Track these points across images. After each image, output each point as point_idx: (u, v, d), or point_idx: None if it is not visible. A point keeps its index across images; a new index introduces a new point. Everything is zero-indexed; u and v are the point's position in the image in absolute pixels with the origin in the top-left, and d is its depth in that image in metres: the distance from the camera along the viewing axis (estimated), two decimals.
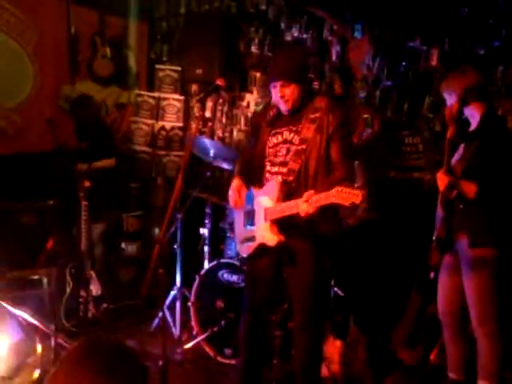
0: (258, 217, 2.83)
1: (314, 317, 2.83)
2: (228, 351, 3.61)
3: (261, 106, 3.13)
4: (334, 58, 4.84)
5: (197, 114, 5.17)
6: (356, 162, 4.25)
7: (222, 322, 3.61)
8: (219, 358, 3.63)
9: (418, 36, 4.34)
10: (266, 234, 2.75)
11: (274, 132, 2.86)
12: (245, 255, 3.02)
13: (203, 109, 5.21)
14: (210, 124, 5.30)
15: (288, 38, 5.04)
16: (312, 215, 2.52)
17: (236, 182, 2.90)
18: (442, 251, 2.87)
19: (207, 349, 3.68)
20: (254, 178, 2.94)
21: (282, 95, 2.73)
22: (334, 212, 2.76)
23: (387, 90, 4.54)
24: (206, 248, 4.13)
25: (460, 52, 4.11)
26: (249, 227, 2.92)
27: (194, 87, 5.39)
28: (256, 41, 5.15)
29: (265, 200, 2.79)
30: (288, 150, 2.79)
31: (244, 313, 3.05)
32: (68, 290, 3.98)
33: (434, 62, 4.28)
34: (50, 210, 4.39)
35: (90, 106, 4.78)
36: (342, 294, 3.77)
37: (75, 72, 5.22)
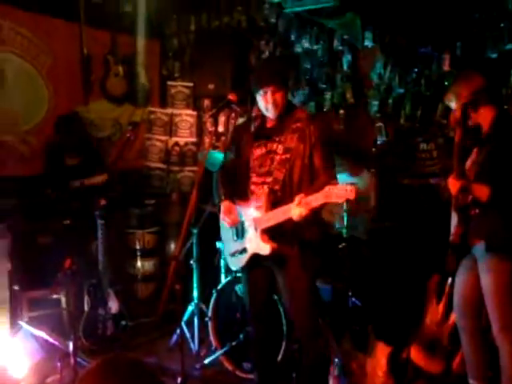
0: (248, 228, 2.88)
1: (312, 320, 2.89)
2: (247, 365, 3.57)
3: (241, 120, 3.16)
4: (345, 67, 4.85)
5: (210, 129, 5.18)
6: (372, 170, 4.25)
7: (241, 336, 3.58)
8: (238, 373, 3.60)
9: (429, 42, 4.32)
10: (259, 244, 2.81)
11: (257, 144, 2.93)
12: (236, 268, 3.09)
13: (216, 124, 5.24)
14: (223, 138, 5.32)
15: (298, 49, 5.06)
16: (305, 218, 2.58)
17: (225, 205, 2.97)
18: (458, 256, 2.83)
19: (226, 363, 3.66)
20: (238, 191, 3.00)
21: (273, 100, 2.81)
22: (316, 217, 2.81)
23: (400, 97, 4.52)
24: (222, 262, 4.12)
25: (472, 56, 4.08)
26: (238, 240, 2.96)
27: (207, 102, 5.42)
28: (266, 53, 5.18)
29: (253, 211, 2.85)
30: (272, 160, 2.86)
31: (252, 324, 3.12)
32: (86, 308, 3.99)
33: (446, 67, 4.25)
34: (67, 230, 4.42)
35: (76, 123, 4.82)
36: (360, 304, 3.73)
37: (89, 92, 5.29)
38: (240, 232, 2.95)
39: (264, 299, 3.00)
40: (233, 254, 3.02)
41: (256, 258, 2.87)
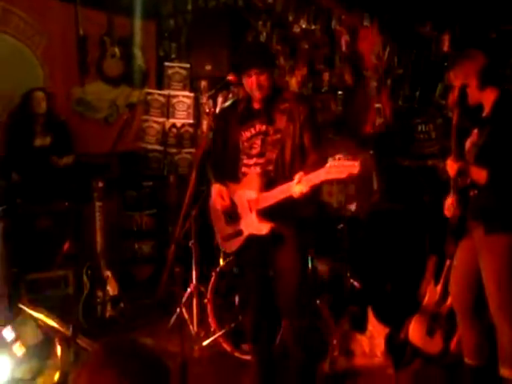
0: (242, 210, 2.87)
1: (300, 300, 2.89)
2: (246, 347, 3.59)
3: (227, 103, 3.13)
4: (343, 48, 4.80)
5: (207, 111, 5.15)
6: (371, 152, 4.24)
7: (239, 318, 3.60)
8: (237, 354, 3.62)
9: (428, 22, 4.28)
10: (255, 225, 2.79)
11: (246, 126, 2.91)
12: (231, 251, 3.07)
13: (214, 105, 5.20)
14: None
15: (296, 30, 5.01)
16: (306, 195, 2.56)
17: (216, 187, 2.95)
18: (456, 238, 2.83)
19: (225, 345, 3.67)
20: (228, 173, 2.98)
21: (257, 83, 2.79)
22: (314, 196, 2.81)
23: (398, 78, 4.49)
24: None
25: (472, 37, 4.04)
26: (231, 223, 2.95)
27: (204, 83, 5.39)
28: (264, 34, 5.13)
29: (247, 192, 2.83)
30: (263, 141, 2.85)
31: (247, 305, 3.12)
32: (85, 290, 4.00)
33: (445, 48, 4.22)
34: (66, 212, 4.42)
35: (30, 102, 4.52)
36: (359, 286, 3.74)
37: (85, 73, 5.24)
38: (233, 214, 2.93)
39: (261, 280, 2.98)
40: (226, 238, 3.00)
41: (251, 240, 2.86)
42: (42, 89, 4.61)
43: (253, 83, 2.79)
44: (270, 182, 2.78)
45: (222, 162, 3.02)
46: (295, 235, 2.83)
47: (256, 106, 2.91)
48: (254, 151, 2.87)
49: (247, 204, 2.83)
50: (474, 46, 2.93)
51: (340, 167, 2.40)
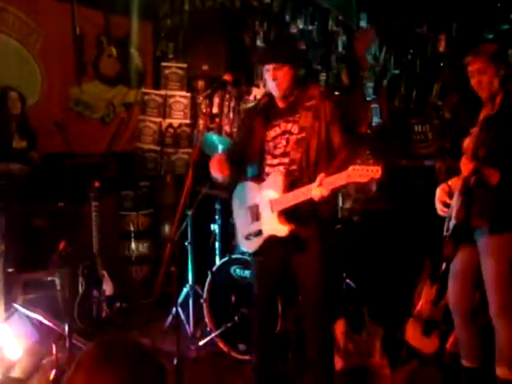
0: (264, 210, 2.82)
1: (325, 305, 2.83)
2: (242, 347, 3.60)
3: (252, 104, 3.11)
4: (340, 48, 4.81)
5: (204, 111, 5.15)
6: (367, 152, 4.23)
7: (236, 318, 3.60)
8: (233, 354, 3.62)
9: (424, 22, 4.28)
10: (275, 226, 2.74)
11: (270, 125, 2.86)
12: (250, 251, 3.01)
13: (211, 105, 5.21)
14: (217, 120, 5.29)
15: (293, 30, 5.01)
16: (326, 198, 2.53)
17: (218, 154, 2.94)
18: (459, 240, 2.81)
19: (221, 345, 3.68)
20: (251, 172, 2.95)
21: (274, 78, 2.75)
22: (334, 198, 2.83)
23: (395, 78, 4.49)
24: (216, 244, 4.12)
25: (468, 37, 4.05)
26: (253, 222, 2.90)
27: (201, 83, 5.38)
28: (261, 34, 5.13)
29: (269, 192, 2.78)
30: (288, 141, 2.79)
31: (254, 307, 3.05)
32: (81, 290, 3.99)
33: (441, 48, 4.22)
34: (61, 212, 4.41)
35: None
36: (355, 286, 3.74)
37: (82, 73, 5.23)
38: (255, 213, 2.88)
39: (274, 288, 2.95)
40: (247, 237, 2.95)
41: (272, 242, 2.81)
42: (15, 89, 4.54)
43: (269, 78, 2.78)
44: (293, 182, 2.72)
45: (239, 161, 2.98)
46: (316, 236, 2.75)
47: (281, 104, 2.86)
48: (279, 151, 2.82)
49: (269, 204, 2.77)
50: (471, 47, 2.91)
51: (362, 171, 2.36)
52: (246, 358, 3.53)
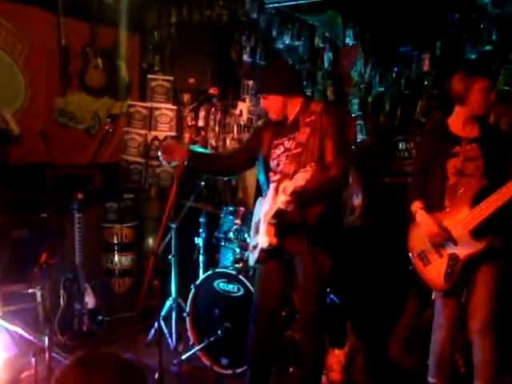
0: (262, 224, 2.89)
1: (317, 320, 2.87)
2: (225, 361, 3.58)
3: (263, 120, 3.19)
4: (326, 65, 4.86)
5: (190, 124, 5.16)
6: (352, 169, 4.27)
7: (219, 332, 3.58)
8: (216, 368, 3.60)
9: (409, 41, 4.35)
10: (263, 237, 2.80)
11: (275, 143, 2.92)
12: (251, 264, 3.07)
13: (196, 118, 5.21)
14: (203, 133, 5.30)
15: (280, 45, 5.05)
16: (290, 205, 2.55)
17: (170, 141, 3.00)
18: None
19: (204, 359, 3.65)
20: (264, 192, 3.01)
21: (263, 106, 2.91)
22: (333, 213, 2.82)
23: (380, 95, 4.55)
24: (201, 258, 4.11)
25: (451, 57, 4.12)
26: (255, 236, 2.99)
27: (187, 97, 5.40)
28: (248, 49, 5.17)
29: (265, 207, 2.87)
30: (287, 157, 2.85)
31: (253, 321, 3.03)
32: (62, 303, 3.94)
33: (425, 67, 4.29)
34: (43, 223, 4.36)
35: None
36: (339, 302, 3.75)
37: (67, 84, 5.21)
38: (257, 227, 2.96)
39: (274, 296, 2.96)
40: (252, 250, 3.04)
41: (270, 254, 2.87)
42: None
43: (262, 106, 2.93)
44: None
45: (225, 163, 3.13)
46: (307, 252, 2.74)
47: (288, 122, 2.92)
48: (279, 168, 2.88)
49: (263, 217, 2.84)
50: (454, 66, 2.98)
51: (302, 173, 2.42)
52: (229, 372, 3.51)
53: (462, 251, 2.73)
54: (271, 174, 2.93)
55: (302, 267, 2.83)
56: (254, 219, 3.05)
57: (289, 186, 2.52)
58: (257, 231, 2.96)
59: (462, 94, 2.79)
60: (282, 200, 2.55)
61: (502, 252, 2.74)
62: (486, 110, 2.83)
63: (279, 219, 2.72)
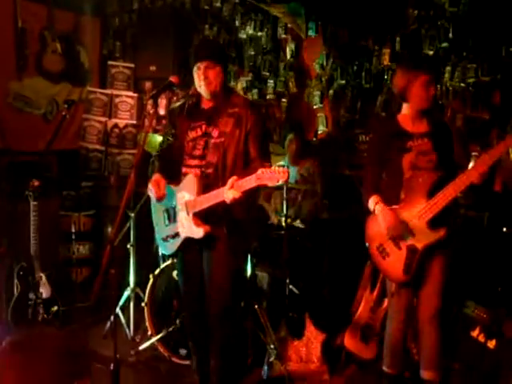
0: (179, 212, 2.87)
1: (230, 302, 2.90)
2: (183, 351, 3.56)
3: (179, 102, 3.12)
4: (288, 56, 4.87)
5: (150, 112, 5.08)
6: (312, 161, 4.30)
7: (177, 322, 3.56)
8: (174, 359, 3.58)
9: (370, 36, 4.40)
10: (191, 228, 2.80)
11: (192, 126, 2.91)
12: (169, 253, 3.07)
13: (156, 106, 5.13)
14: (163, 122, 5.24)
15: (242, 35, 5.03)
16: (238, 201, 2.59)
17: (155, 176, 2.94)
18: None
19: (162, 349, 3.63)
20: (172, 173, 2.96)
21: (205, 76, 2.79)
22: (249, 200, 2.81)
23: (341, 88, 4.59)
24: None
25: (410, 52, 4.19)
26: (170, 224, 2.95)
27: (148, 84, 5.32)
28: (210, 37, 5.12)
29: (184, 195, 2.83)
30: (206, 143, 2.85)
31: (185, 307, 3.09)
32: (16, 292, 3.85)
33: (385, 61, 4.35)
34: None
35: None
36: (298, 292, 3.79)
37: (23, 67, 5.06)
38: (172, 216, 2.93)
39: (199, 282, 2.97)
40: (165, 239, 3.00)
41: (188, 241, 2.87)
42: None
43: (200, 76, 2.79)
44: (207, 185, 2.77)
45: (168, 159, 3.00)
46: (226, 237, 2.81)
47: (205, 105, 2.91)
48: (197, 152, 2.86)
49: (185, 206, 2.82)
50: (413, 62, 3.01)
51: (271, 173, 2.46)
52: (187, 362, 3.50)
53: (420, 242, 2.80)
54: (186, 156, 2.90)
55: (216, 251, 2.85)
56: (161, 206, 2.99)
57: (245, 183, 2.54)
58: (170, 219, 2.93)
59: (403, 90, 2.85)
60: (232, 196, 2.58)
61: (450, 240, 2.81)
62: (430, 104, 2.87)
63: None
